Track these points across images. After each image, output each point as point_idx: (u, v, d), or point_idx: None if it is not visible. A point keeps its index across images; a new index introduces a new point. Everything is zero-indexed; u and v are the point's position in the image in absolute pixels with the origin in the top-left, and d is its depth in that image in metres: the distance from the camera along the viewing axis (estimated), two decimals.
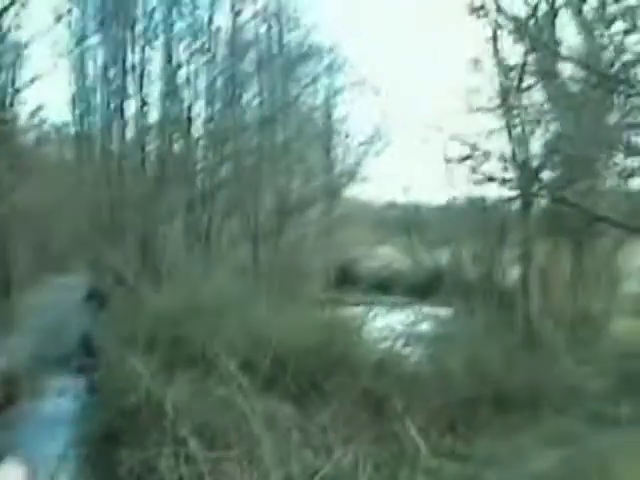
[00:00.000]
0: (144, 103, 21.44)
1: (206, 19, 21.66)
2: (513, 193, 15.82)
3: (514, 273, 16.04)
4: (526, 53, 15.03)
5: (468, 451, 9.75)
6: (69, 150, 26.50)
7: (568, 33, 14.94)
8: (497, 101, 15.28)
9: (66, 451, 10.84)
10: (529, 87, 15.30)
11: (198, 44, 21.68)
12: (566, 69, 15.16)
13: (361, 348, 12.26)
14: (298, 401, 10.21)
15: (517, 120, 15.09)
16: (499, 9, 13.77)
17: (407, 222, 19.66)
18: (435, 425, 10.23)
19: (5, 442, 12.48)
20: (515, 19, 15.15)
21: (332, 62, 26.41)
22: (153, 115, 21.83)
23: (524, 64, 15.06)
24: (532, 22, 15.25)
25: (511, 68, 15.18)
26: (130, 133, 22.05)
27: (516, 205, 15.88)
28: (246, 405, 9.57)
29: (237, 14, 21.43)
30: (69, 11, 22.37)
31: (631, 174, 15.37)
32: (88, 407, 13.18)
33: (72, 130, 24.87)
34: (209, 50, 21.58)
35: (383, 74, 36.60)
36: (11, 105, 23.28)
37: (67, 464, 10.40)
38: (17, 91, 22.87)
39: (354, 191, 31.33)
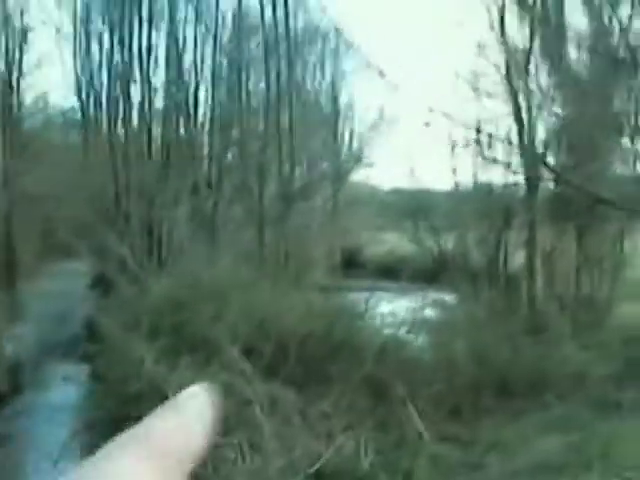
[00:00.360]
0: (150, 88, 21.36)
1: (212, 2, 21.60)
2: (519, 177, 15.77)
3: (519, 258, 15.99)
4: (532, 36, 14.95)
5: (471, 437, 9.73)
6: (74, 135, 26.44)
7: (576, 16, 14.86)
8: (503, 85, 15.21)
9: (70, 439, 10.85)
10: (535, 71, 15.23)
11: (204, 28, 21.62)
12: (573, 53, 15.11)
13: (365, 334, 12.24)
14: (300, 387, 10.20)
15: (523, 104, 15.01)
16: None
17: (412, 207, 19.60)
18: (438, 411, 10.21)
19: (12, 432, 12.54)
20: (522, 2, 15.09)
21: (338, 45, 26.39)
22: (159, 100, 21.77)
23: (530, 48, 14.98)
24: (539, 5, 15.17)
25: (517, 52, 15.09)
26: (136, 118, 21.97)
27: (522, 190, 15.82)
28: (248, 390, 9.58)
29: None
30: None
31: (637, 158, 15.32)
32: (92, 394, 13.20)
33: (78, 115, 24.83)
34: (215, 34, 21.51)
35: (389, 58, 36.57)
36: (17, 89, 23.33)
37: (71, 451, 10.41)
38: (22, 75, 22.93)
39: (360, 176, 31.38)
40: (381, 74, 15.47)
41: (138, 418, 0.56)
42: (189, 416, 0.55)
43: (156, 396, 9.92)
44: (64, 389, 14.66)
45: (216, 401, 0.57)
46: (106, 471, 0.49)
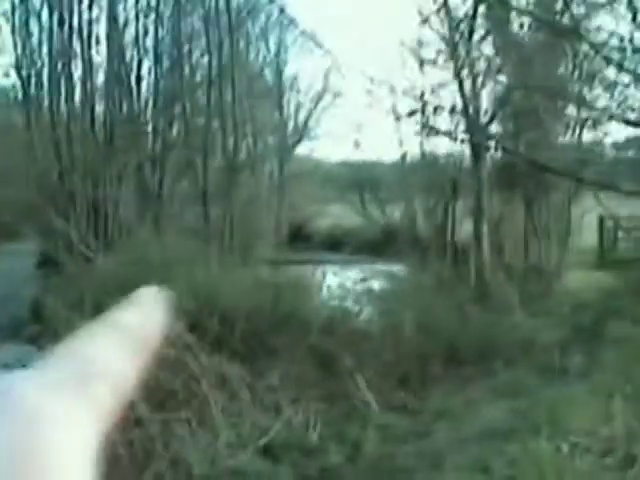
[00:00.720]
0: (91, 64, 20.97)
1: None
2: (464, 147, 15.78)
3: (467, 228, 16.03)
4: (476, 4, 14.87)
5: (420, 405, 9.73)
6: (16, 113, 25.92)
7: None
8: (447, 54, 15.14)
9: None
10: (479, 39, 15.19)
11: (145, 1, 21.27)
12: (516, 20, 15.09)
13: (311, 306, 12.19)
14: (247, 361, 10.12)
15: (467, 73, 14.96)
16: None
17: (359, 179, 19.56)
18: (386, 381, 10.20)
19: None
20: None
21: (281, 18, 26.23)
22: (101, 76, 21.39)
23: (474, 16, 14.91)
24: None
25: (461, 20, 15.02)
26: (78, 95, 21.57)
27: (468, 159, 15.82)
28: (195, 365, 9.47)
29: None
30: None
31: (582, 126, 15.42)
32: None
33: (19, 93, 24.31)
34: (156, 8, 21.17)
35: (332, 29, 36.46)
36: None
37: None
38: None
39: (306, 149, 31.33)
40: (319, 45, 15.41)
41: None
42: (148, 307, 0.60)
43: None
44: (8, 372, 14.41)
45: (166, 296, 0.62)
46: (80, 355, 0.53)
